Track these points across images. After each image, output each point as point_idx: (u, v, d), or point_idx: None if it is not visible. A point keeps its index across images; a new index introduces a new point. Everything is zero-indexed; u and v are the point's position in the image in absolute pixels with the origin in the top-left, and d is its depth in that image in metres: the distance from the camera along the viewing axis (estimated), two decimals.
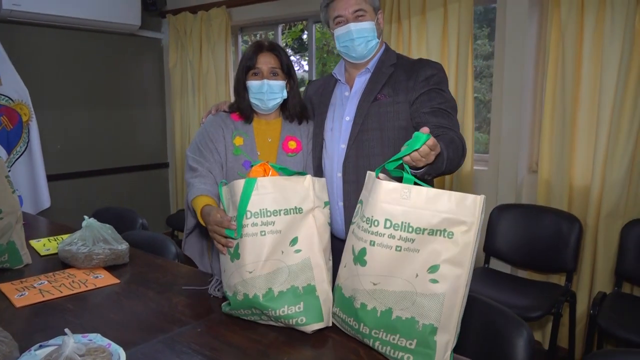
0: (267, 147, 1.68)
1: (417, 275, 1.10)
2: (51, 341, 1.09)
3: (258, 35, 4.62)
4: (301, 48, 4.56)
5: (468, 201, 1.07)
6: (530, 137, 2.87)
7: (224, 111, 1.73)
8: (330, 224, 1.38)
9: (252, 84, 1.63)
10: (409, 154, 1.14)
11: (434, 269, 1.09)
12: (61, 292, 1.56)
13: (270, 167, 1.35)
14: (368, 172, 1.27)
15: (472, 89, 2.86)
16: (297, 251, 1.29)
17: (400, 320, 1.12)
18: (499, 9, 2.81)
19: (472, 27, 2.81)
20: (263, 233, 1.27)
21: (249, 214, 1.27)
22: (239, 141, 1.66)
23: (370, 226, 1.13)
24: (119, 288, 1.62)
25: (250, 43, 4.63)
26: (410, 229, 1.09)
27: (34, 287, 1.58)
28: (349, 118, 1.63)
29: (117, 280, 1.67)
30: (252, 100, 1.66)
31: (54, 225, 2.50)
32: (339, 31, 1.60)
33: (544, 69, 2.72)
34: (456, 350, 1.14)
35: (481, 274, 2.65)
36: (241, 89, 1.67)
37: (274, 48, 1.65)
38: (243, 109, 1.68)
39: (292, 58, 1.71)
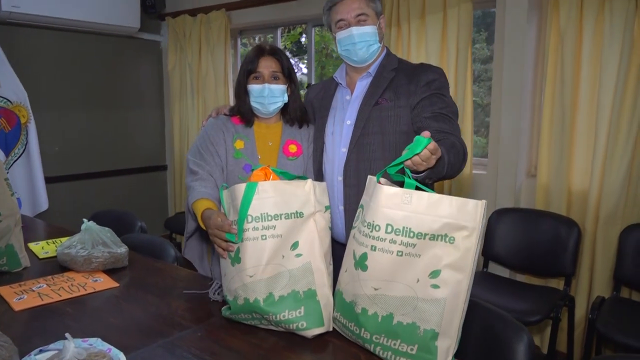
0: (267, 150, 1.68)
1: (418, 280, 1.10)
2: (51, 345, 1.09)
3: (257, 38, 4.62)
4: (299, 51, 4.57)
5: (469, 206, 1.07)
6: (529, 141, 2.88)
7: (225, 114, 1.73)
8: (331, 228, 1.38)
9: (253, 87, 1.63)
10: (410, 158, 1.14)
11: (435, 274, 1.09)
12: (60, 295, 1.55)
13: (271, 171, 1.35)
14: (369, 176, 1.27)
15: (471, 92, 2.87)
16: (298, 255, 1.29)
17: (401, 326, 1.12)
18: (498, 13, 2.82)
19: (472, 31, 2.82)
20: (264, 237, 1.27)
21: (249, 218, 1.27)
22: (239, 144, 1.65)
23: (372, 231, 1.13)
24: (118, 292, 1.62)
25: (249, 46, 4.66)
26: (411, 234, 1.09)
27: (33, 291, 1.58)
28: (350, 122, 1.63)
29: (117, 284, 1.66)
30: (253, 104, 1.66)
31: (52, 227, 2.50)
32: (340, 35, 1.61)
33: (543, 73, 2.73)
34: (457, 355, 1.14)
35: (480, 278, 2.65)
36: (242, 93, 1.67)
37: (275, 52, 1.65)
38: (244, 113, 1.68)
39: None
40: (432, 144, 1.14)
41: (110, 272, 1.76)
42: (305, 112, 1.74)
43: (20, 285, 1.63)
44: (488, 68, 3.31)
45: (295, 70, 1.73)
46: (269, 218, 1.28)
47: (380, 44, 1.64)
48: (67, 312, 1.45)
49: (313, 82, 3.93)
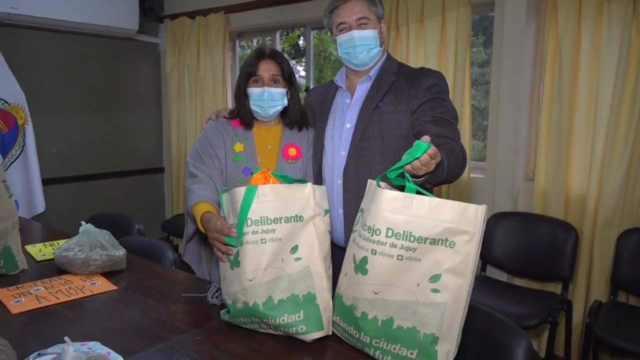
0: (267, 153, 1.68)
1: (418, 285, 1.10)
2: (50, 349, 1.08)
3: (255, 41, 4.62)
4: (297, 54, 4.57)
5: (470, 211, 1.08)
6: (526, 145, 2.89)
7: (224, 117, 1.73)
8: (330, 232, 1.38)
9: (253, 91, 1.63)
10: (410, 163, 1.14)
11: (435, 278, 1.09)
12: (58, 298, 1.54)
13: (271, 174, 1.35)
14: (369, 180, 1.27)
15: (469, 96, 2.88)
16: (298, 259, 1.29)
17: (401, 330, 1.12)
18: (496, 17, 2.83)
19: (470, 35, 2.83)
20: (263, 241, 1.27)
21: (249, 222, 1.27)
22: (239, 147, 1.65)
23: (372, 235, 1.13)
24: (116, 295, 1.61)
25: (248, 48, 4.67)
26: (412, 238, 1.09)
27: (30, 293, 1.57)
28: (349, 125, 1.63)
29: (115, 287, 1.65)
30: (253, 107, 1.66)
31: (49, 230, 2.49)
32: (341, 38, 1.61)
33: (541, 77, 2.74)
34: (456, 359, 1.14)
35: (477, 282, 2.64)
36: (242, 96, 1.67)
37: (275, 55, 1.66)
38: (243, 116, 1.68)
39: None
40: (432, 149, 1.14)
41: (108, 275, 1.75)
42: (304, 115, 1.74)
43: (18, 288, 1.62)
44: (485, 72, 3.32)
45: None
46: (269, 222, 1.27)
47: (381, 48, 1.64)
48: (65, 315, 1.45)
49: (311, 85, 3.93)
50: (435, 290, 1.09)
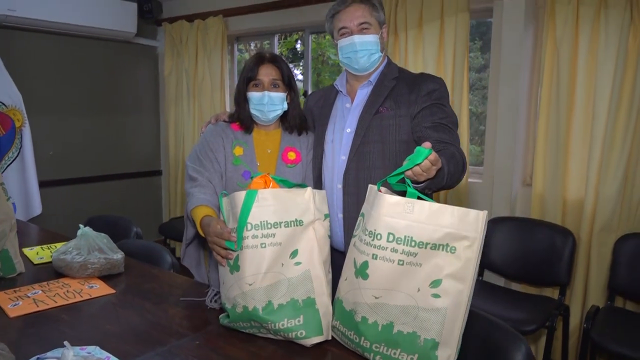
0: (266, 157, 1.68)
1: (419, 290, 1.10)
2: (49, 354, 1.08)
3: (253, 45, 4.63)
4: (295, 58, 4.58)
5: (471, 216, 1.08)
6: (524, 150, 2.90)
7: (224, 121, 1.73)
8: (330, 236, 1.38)
9: (253, 95, 1.63)
10: (410, 169, 1.14)
11: (436, 283, 1.09)
12: (56, 302, 1.54)
13: (271, 179, 1.35)
14: (370, 185, 1.27)
15: (467, 101, 2.89)
16: (297, 263, 1.29)
17: (401, 335, 1.12)
18: (495, 23, 2.84)
19: (468, 40, 2.85)
20: (263, 245, 1.27)
21: (249, 226, 1.27)
22: (238, 151, 1.65)
23: (373, 239, 1.13)
24: (114, 298, 1.60)
25: (246, 52, 4.67)
26: (412, 243, 1.10)
27: (28, 297, 1.56)
28: (350, 130, 1.63)
29: (113, 291, 1.65)
30: (253, 112, 1.66)
31: (46, 232, 2.48)
32: (342, 42, 1.61)
33: (538, 83, 2.75)
34: None
35: (475, 287, 2.64)
36: (242, 100, 1.67)
37: (275, 60, 1.66)
38: (243, 120, 1.68)
39: None
40: (433, 155, 1.14)
41: (106, 278, 1.75)
42: (304, 119, 1.74)
43: (15, 291, 1.61)
44: (482, 77, 3.34)
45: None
46: (269, 226, 1.27)
47: (382, 53, 1.64)
48: (63, 318, 1.44)
49: (309, 89, 3.94)
50: (436, 296, 1.09)
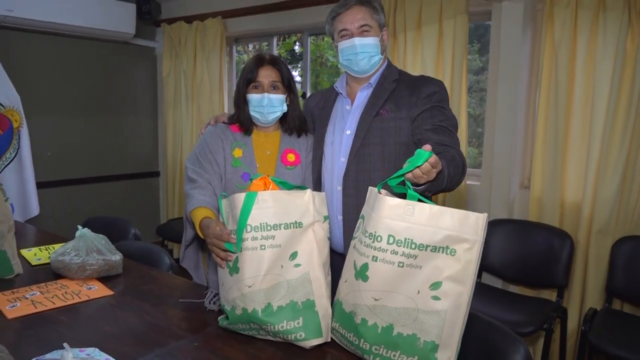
0: (266, 159, 1.68)
1: (419, 292, 1.10)
2: (48, 355, 1.07)
3: (251, 46, 4.63)
4: (293, 59, 4.59)
5: (471, 219, 1.08)
6: (522, 152, 2.90)
7: (224, 123, 1.73)
8: (329, 238, 1.38)
9: (253, 97, 1.63)
10: (411, 171, 1.15)
11: (436, 285, 1.09)
12: (54, 303, 1.53)
13: (271, 180, 1.35)
14: (370, 187, 1.27)
15: (465, 104, 2.89)
16: (297, 265, 1.29)
17: (401, 337, 1.12)
18: (493, 26, 2.85)
19: (467, 43, 2.85)
20: (263, 247, 1.27)
21: (249, 228, 1.27)
22: (238, 153, 1.65)
23: (373, 241, 1.13)
24: (113, 300, 1.60)
25: (244, 53, 4.67)
26: (413, 245, 1.10)
27: (26, 298, 1.56)
28: (349, 132, 1.63)
29: (111, 292, 1.65)
30: (252, 113, 1.66)
31: (43, 233, 2.47)
32: (343, 44, 1.61)
33: (537, 85, 2.76)
34: None
35: None
36: (241, 102, 1.67)
37: (275, 62, 1.66)
38: (243, 121, 1.68)
39: None
40: (433, 157, 1.14)
41: (105, 279, 1.75)
42: (304, 121, 1.74)
43: (13, 292, 1.61)
44: (480, 79, 3.35)
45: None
46: (268, 228, 1.27)
47: (382, 55, 1.65)
48: (61, 320, 1.44)
49: (308, 90, 3.94)
50: (436, 298, 1.09)
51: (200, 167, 1.62)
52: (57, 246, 2.06)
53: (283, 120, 1.71)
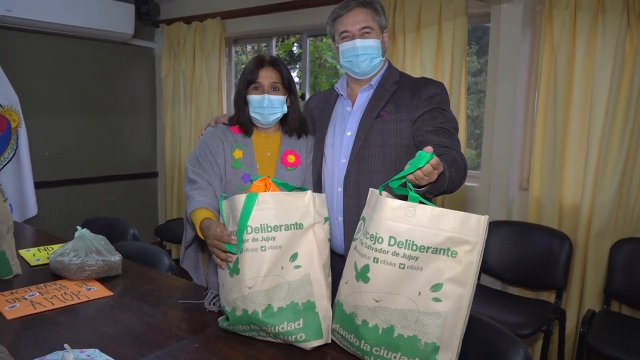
0: (266, 160, 1.68)
1: (419, 294, 1.11)
2: (48, 356, 1.07)
3: (250, 47, 4.63)
4: (292, 60, 4.59)
5: (472, 221, 1.08)
6: (521, 154, 2.91)
7: (224, 124, 1.73)
8: (330, 240, 1.38)
9: (253, 98, 1.63)
10: (412, 173, 1.15)
11: (437, 287, 1.10)
12: (53, 304, 1.53)
13: (271, 182, 1.35)
14: (370, 189, 1.27)
15: (464, 106, 2.90)
16: (297, 267, 1.29)
17: (402, 338, 1.12)
18: (492, 28, 2.86)
19: (466, 45, 2.86)
20: (263, 248, 1.27)
21: (249, 229, 1.27)
22: (238, 154, 1.65)
23: (374, 243, 1.13)
24: (112, 301, 1.60)
25: (242, 54, 4.67)
26: (414, 247, 1.10)
27: (25, 299, 1.55)
28: (350, 133, 1.63)
29: (111, 293, 1.64)
30: (253, 114, 1.66)
31: (41, 234, 2.46)
32: (344, 46, 1.61)
33: (536, 87, 2.77)
34: None
35: None
36: (241, 103, 1.67)
37: (275, 63, 1.66)
38: (243, 122, 1.68)
39: None
40: (435, 159, 1.15)
41: (104, 280, 1.74)
42: (304, 122, 1.74)
43: (12, 293, 1.60)
44: (478, 81, 3.35)
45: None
46: (269, 229, 1.27)
47: (383, 57, 1.65)
48: (60, 321, 1.43)
49: (306, 91, 3.94)
50: (437, 300, 1.09)
51: (200, 168, 1.62)
52: (55, 246, 2.06)
53: (283, 121, 1.71)
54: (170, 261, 2.01)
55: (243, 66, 4.53)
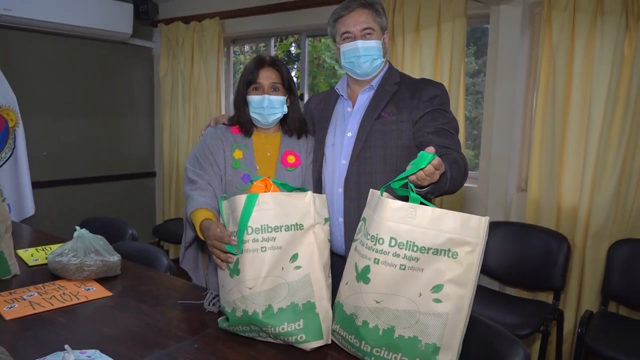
0: (266, 161, 1.68)
1: (420, 295, 1.11)
2: (49, 357, 1.06)
3: (248, 47, 4.63)
4: (290, 60, 4.59)
5: (472, 222, 1.09)
6: (519, 155, 2.91)
7: (224, 124, 1.72)
8: (330, 240, 1.38)
9: (253, 98, 1.63)
10: (414, 173, 1.15)
11: (437, 288, 1.10)
12: (52, 304, 1.52)
13: (272, 182, 1.35)
14: (371, 190, 1.27)
15: (463, 106, 2.90)
16: (297, 267, 1.29)
17: (402, 339, 1.12)
18: (491, 29, 2.86)
19: (465, 46, 2.86)
20: (264, 249, 1.27)
21: (250, 230, 1.27)
22: (238, 154, 1.65)
23: (375, 244, 1.13)
24: (111, 301, 1.59)
25: (240, 54, 4.67)
26: (415, 248, 1.10)
27: (24, 299, 1.55)
28: (350, 134, 1.63)
29: (109, 293, 1.64)
30: (253, 115, 1.65)
31: (39, 234, 2.45)
32: (345, 47, 1.61)
33: (534, 89, 2.78)
34: None
35: None
36: (241, 103, 1.67)
37: (275, 63, 1.66)
38: (243, 123, 1.68)
39: None
40: (436, 160, 1.15)
41: (103, 280, 1.74)
42: (304, 123, 1.74)
43: (11, 293, 1.59)
44: (476, 82, 3.36)
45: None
46: (269, 230, 1.27)
47: (384, 58, 1.65)
48: (59, 321, 1.43)
49: (305, 92, 3.94)
50: (437, 301, 1.09)
51: (200, 168, 1.62)
52: (54, 247, 2.05)
53: (283, 121, 1.71)
54: (168, 261, 2.01)
55: (241, 66, 4.54)
